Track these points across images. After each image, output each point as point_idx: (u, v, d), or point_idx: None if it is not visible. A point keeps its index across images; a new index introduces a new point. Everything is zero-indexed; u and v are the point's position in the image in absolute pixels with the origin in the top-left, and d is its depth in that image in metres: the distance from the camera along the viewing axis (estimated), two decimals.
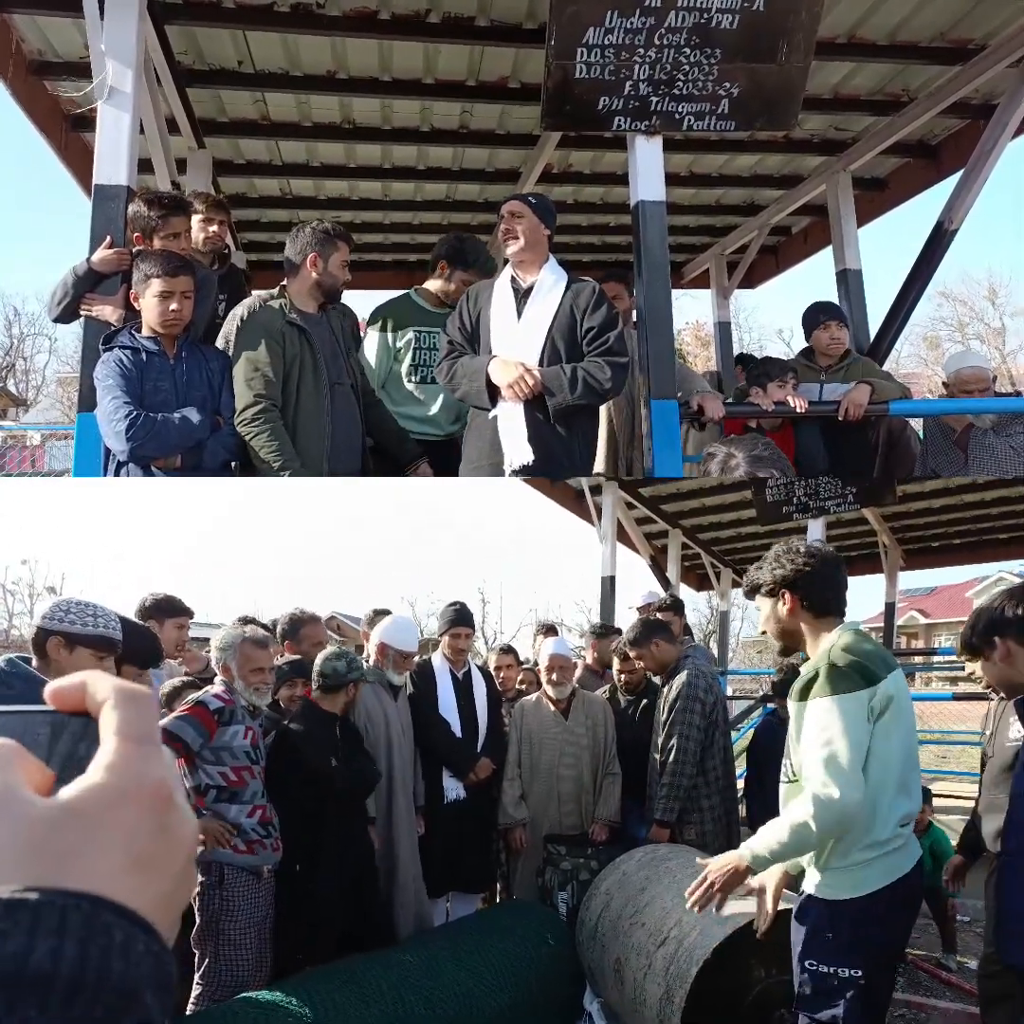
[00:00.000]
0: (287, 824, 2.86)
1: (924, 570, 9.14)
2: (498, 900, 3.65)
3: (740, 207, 6.68)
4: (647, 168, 3.57)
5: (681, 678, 3.36)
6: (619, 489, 6.55)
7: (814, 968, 1.89)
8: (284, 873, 2.85)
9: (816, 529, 5.41)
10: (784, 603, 2.02)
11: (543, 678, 3.65)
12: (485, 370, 3.01)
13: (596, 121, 3.53)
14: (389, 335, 3.68)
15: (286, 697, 3.24)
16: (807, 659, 2.07)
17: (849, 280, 5.54)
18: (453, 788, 3.44)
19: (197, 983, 2.66)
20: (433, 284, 3.82)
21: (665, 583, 7.71)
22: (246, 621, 3.26)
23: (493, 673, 4.07)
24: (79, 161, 4.98)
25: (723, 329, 7.50)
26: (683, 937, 2.50)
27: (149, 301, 2.94)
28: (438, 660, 3.63)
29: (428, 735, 3.45)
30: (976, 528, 7.91)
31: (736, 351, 7.86)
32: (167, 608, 3.18)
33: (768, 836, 1.88)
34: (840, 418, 3.88)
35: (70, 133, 4.95)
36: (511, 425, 3.00)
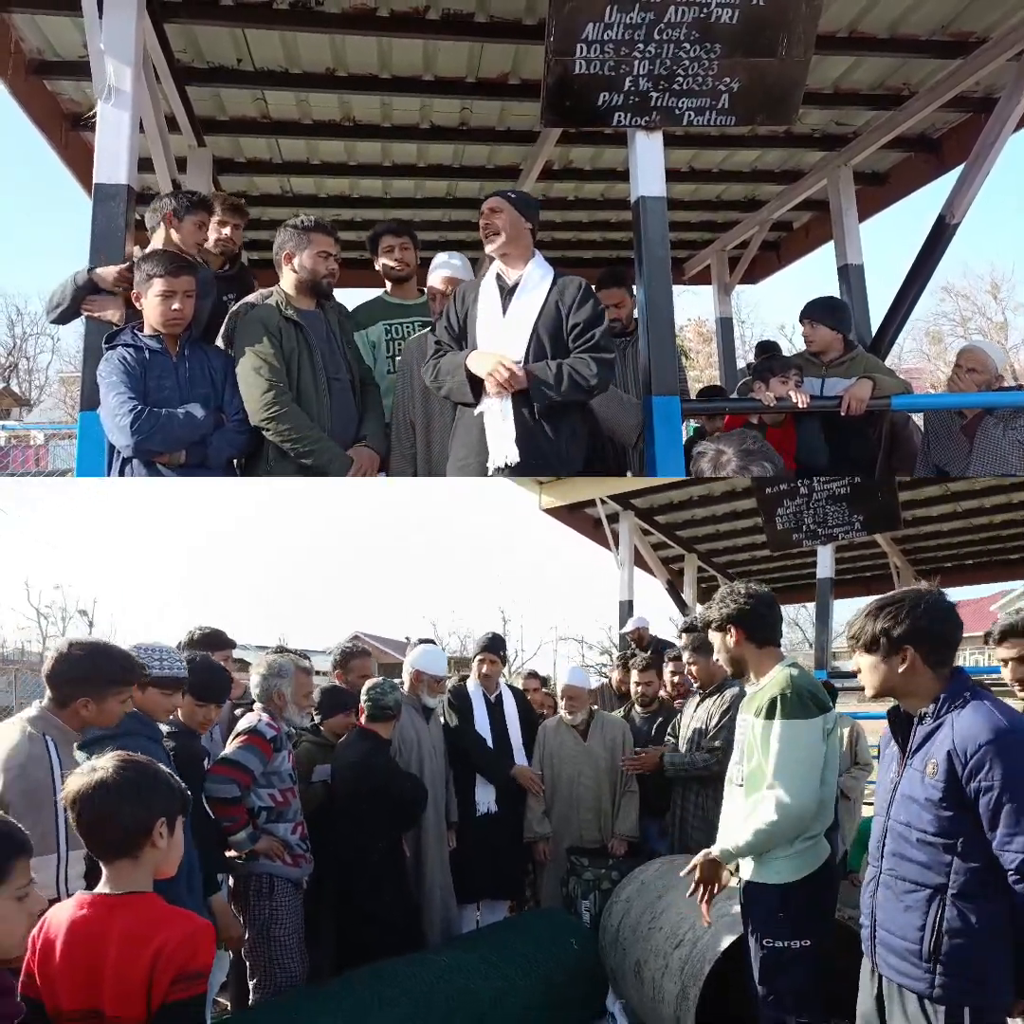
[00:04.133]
0: (368, 844, 3.06)
1: (942, 589, 9.41)
2: (525, 908, 3.83)
3: (741, 202, 6.66)
4: (647, 164, 3.56)
5: (734, 690, 3.47)
6: (635, 517, 7.01)
7: (771, 945, 2.18)
8: (341, 884, 3.05)
9: (825, 554, 5.59)
10: (730, 636, 2.36)
11: (560, 705, 3.88)
12: (464, 363, 2.98)
13: (596, 117, 3.52)
14: (362, 334, 3.73)
15: (342, 724, 3.41)
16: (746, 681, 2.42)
17: (850, 275, 5.53)
18: (485, 802, 3.65)
19: (254, 989, 2.83)
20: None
21: (682, 606, 7.93)
22: (280, 651, 3.47)
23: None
24: (79, 160, 4.99)
25: (725, 325, 7.50)
26: (697, 939, 2.68)
27: (151, 301, 2.95)
28: (472, 684, 3.87)
29: (464, 744, 3.68)
30: (986, 549, 8.09)
31: (737, 348, 7.88)
32: (214, 641, 3.31)
33: (734, 836, 2.20)
34: (842, 413, 3.88)
35: (70, 132, 4.95)
36: (498, 423, 2.95)
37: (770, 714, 2.18)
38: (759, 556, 7.91)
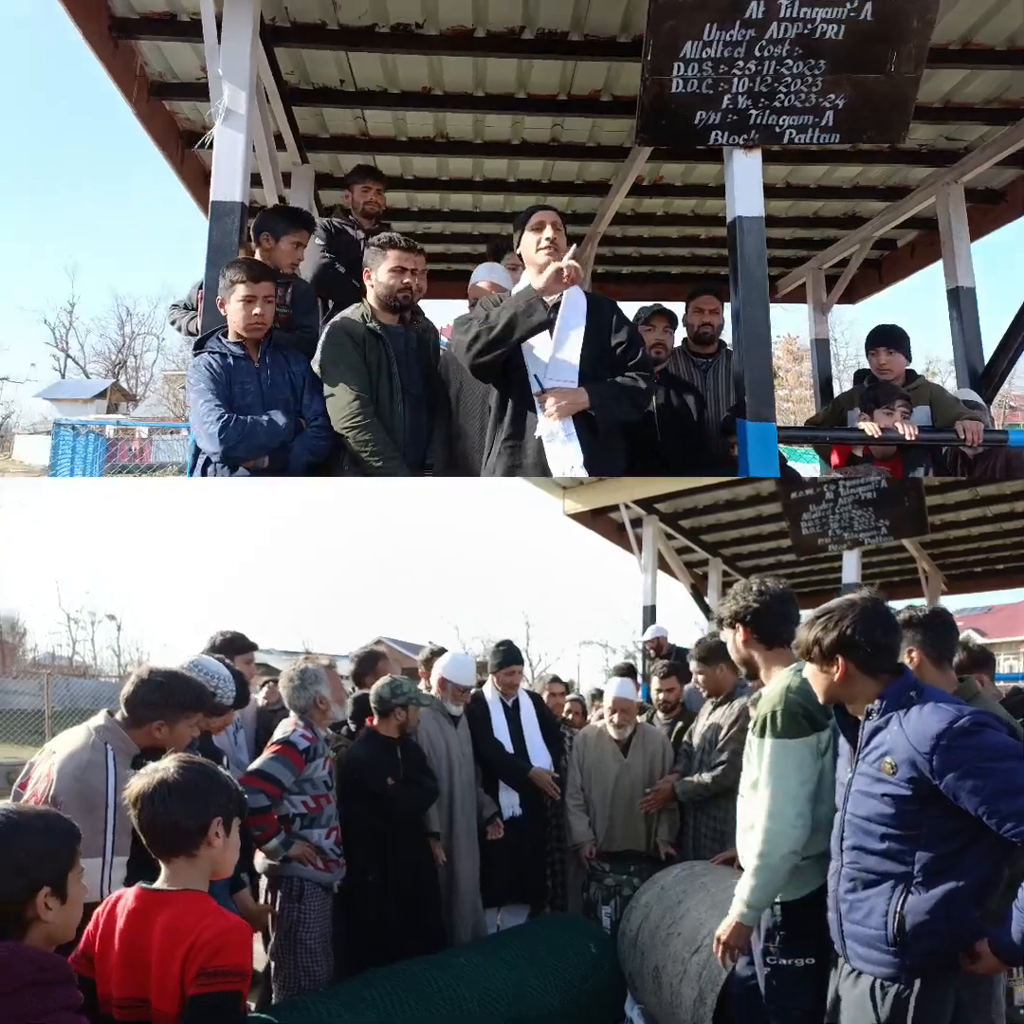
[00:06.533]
0: (355, 840, 3.05)
1: (972, 594, 9.58)
2: (546, 913, 3.80)
3: (840, 219, 6.44)
4: (745, 183, 3.48)
5: (744, 700, 3.37)
6: (659, 521, 6.98)
7: (774, 963, 2.15)
8: (355, 885, 3.04)
9: (851, 559, 5.54)
10: (739, 634, 2.29)
11: (606, 718, 3.79)
12: (528, 286, 2.89)
13: (693, 135, 3.47)
14: None
15: None
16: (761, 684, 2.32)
17: (961, 298, 5.23)
18: (510, 806, 3.66)
19: (277, 991, 2.87)
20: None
21: (706, 610, 7.82)
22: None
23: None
24: (193, 176, 5.26)
25: (821, 346, 7.18)
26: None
27: (234, 306, 3.04)
28: (489, 691, 3.87)
29: (483, 752, 3.69)
30: (1018, 553, 7.92)
31: (833, 369, 7.59)
32: (237, 645, 3.38)
33: (743, 888, 2.13)
34: (965, 440, 3.71)
35: (185, 150, 5.23)
36: (561, 447, 2.95)
37: (762, 732, 2.15)
38: (785, 560, 7.75)
